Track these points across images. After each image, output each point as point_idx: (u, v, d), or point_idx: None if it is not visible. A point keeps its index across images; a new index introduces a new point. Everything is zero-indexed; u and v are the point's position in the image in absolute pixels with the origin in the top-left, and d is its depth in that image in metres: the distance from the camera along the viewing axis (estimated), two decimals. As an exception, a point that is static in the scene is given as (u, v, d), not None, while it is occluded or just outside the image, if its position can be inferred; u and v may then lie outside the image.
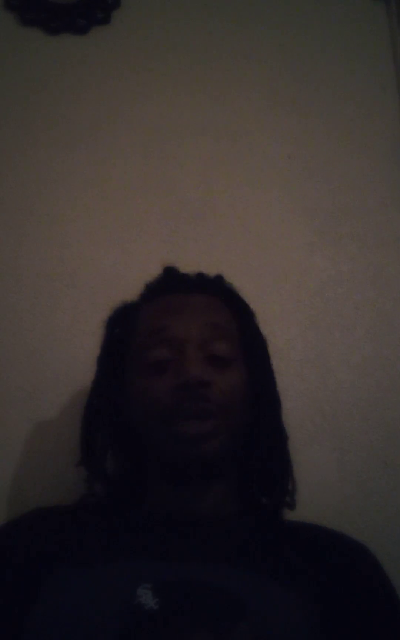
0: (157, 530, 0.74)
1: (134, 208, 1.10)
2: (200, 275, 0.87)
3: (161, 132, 1.15)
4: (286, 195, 1.13)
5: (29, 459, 0.96)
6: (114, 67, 1.18)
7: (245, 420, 0.78)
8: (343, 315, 1.08)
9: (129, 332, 0.81)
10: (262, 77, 1.19)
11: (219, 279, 0.87)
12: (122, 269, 1.06)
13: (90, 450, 0.81)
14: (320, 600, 0.69)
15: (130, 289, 0.98)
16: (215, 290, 0.84)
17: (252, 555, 0.72)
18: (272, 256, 1.10)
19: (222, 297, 0.83)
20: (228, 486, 0.79)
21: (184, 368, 0.74)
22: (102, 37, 1.19)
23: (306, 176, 1.15)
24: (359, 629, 0.69)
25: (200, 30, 1.21)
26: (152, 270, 1.04)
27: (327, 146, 1.16)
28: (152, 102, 1.16)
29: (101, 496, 0.82)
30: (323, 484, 0.97)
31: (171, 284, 0.85)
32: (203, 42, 1.20)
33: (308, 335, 1.06)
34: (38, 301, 1.04)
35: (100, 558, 0.70)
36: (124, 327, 0.83)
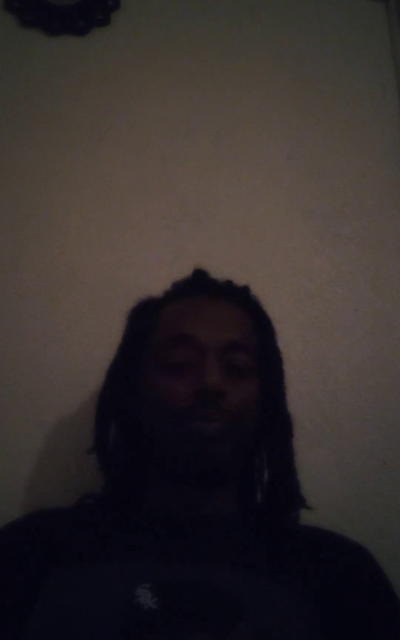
0: (157, 530, 0.74)
1: (134, 208, 1.10)
2: (229, 283, 0.87)
3: (161, 133, 1.15)
4: (286, 196, 1.13)
5: (29, 459, 0.96)
6: (114, 68, 1.18)
7: (252, 431, 0.79)
8: (343, 316, 1.08)
9: (150, 327, 0.82)
10: (262, 77, 1.19)
11: (246, 290, 0.87)
12: (121, 270, 1.06)
13: (104, 438, 0.81)
14: (320, 601, 0.69)
15: (130, 289, 0.98)
16: (241, 301, 0.85)
17: (251, 556, 0.72)
18: (271, 257, 1.10)
19: (247, 308, 0.84)
20: (229, 489, 0.79)
21: (205, 375, 0.74)
22: (102, 39, 1.19)
23: (306, 177, 1.15)
24: (358, 630, 0.69)
25: (200, 31, 1.21)
26: (152, 271, 1.04)
27: (326, 147, 1.17)
28: (151, 102, 1.16)
29: (100, 497, 0.82)
30: (323, 484, 0.97)
31: (199, 287, 0.86)
32: (202, 43, 1.20)
33: (308, 336, 1.06)
34: (38, 301, 1.04)
35: (99, 558, 0.70)
36: (147, 321, 0.83)
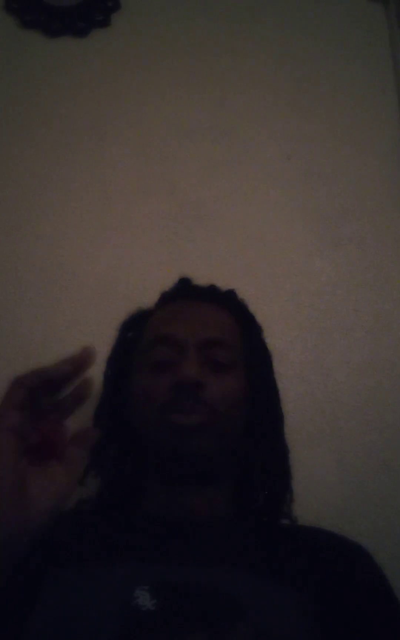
0: (155, 532, 0.74)
1: (134, 209, 1.10)
2: (212, 287, 0.89)
3: (161, 134, 1.15)
4: (285, 197, 1.13)
5: (29, 459, 0.96)
6: (114, 69, 1.18)
7: (239, 426, 0.79)
8: (342, 316, 1.08)
9: (139, 335, 0.85)
10: (262, 77, 1.19)
11: (230, 293, 0.90)
12: (122, 270, 1.06)
13: (100, 450, 0.82)
14: (318, 601, 0.69)
15: (130, 289, 0.98)
16: (225, 302, 0.87)
17: (249, 556, 0.72)
18: (271, 258, 1.10)
19: (230, 310, 0.86)
20: (224, 490, 0.80)
21: (181, 368, 0.76)
22: (102, 40, 1.19)
23: (306, 178, 1.15)
24: (357, 630, 0.69)
25: (200, 32, 1.21)
26: (152, 271, 1.04)
27: (326, 147, 1.17)
28: (151, 103, 1.16)
29: (96, 500, 0.82)
30: (322, 484, 0.97)
31: (183, 293, 0.88)
32: (202, 43, 1.20)
33: (308, 337, 1.06)
34: (38, 301, 1.04)
35: (98, 560, 0.70)
36: (135, 331, 0.86)
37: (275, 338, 0.97)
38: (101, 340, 0.96)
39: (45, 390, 0.55)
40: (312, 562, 0.72)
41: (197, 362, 0.77)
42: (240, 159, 1.15)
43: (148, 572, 0.67)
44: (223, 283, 0.90)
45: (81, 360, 0.56)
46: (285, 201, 1.13)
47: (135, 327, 0.87)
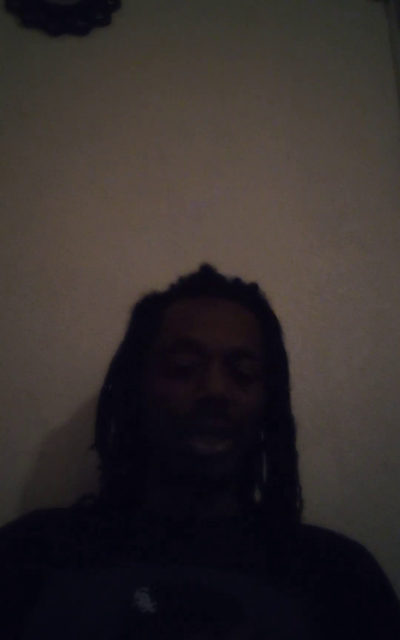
0: (156, 532, 0.74)
1: (134, 208, 1.10)
2: (237, 281, 0.85)
3: (161, 133, 1.15)
4: (285, 196, 1.13)
5: (29, 459, 0.96)
6: (114, 68, 1.18)
7: (257, 437, 0.79)
8: (342, 316, 1.08)
9: (154, 327, 0.80)
10: (262, 77, 1.19)
11: (254, 288, 0.86)
12: (122, 270, 1.06)
13: (104, 435, 0.81)
14: (319, 602, 0.69)
15: (130, 289, 0.98)
16: (248, 301, 0.83)
17: (250, 557, 0.72)
18: (271, 257, 1.10)
19: (253, 308, 0.82)
20: (229, 490, 0.79)
21: (209, 382, 0.73)
22: (103, 39, 1.19)
23: (305, 177, 1.15)
24: (358, 630, 0.69)
25: (200, 31, 1.21)
26: (152, 271, 1.04)
27: (326, 146, 1.17)
28: (152, 102, 1.16)
29: (98, 498, 0.82)
30: (323, 484, 0.97)
31: (206, 285, 0.84)
32: (203, 43, 1.20)
33: (308, 336, 1.06)
34: (38, 301, 1.04)
35: (98, 561, 0.70)
36: (151, 320, 0.81)
37: (275, 338, 0.97)
38: (101, 340, 0.97)
39: None
40: (312, 563, 0.72)
41: (223, 375, 0.74)
42: (240, 159, 1.15)
43: (148, 574, 0.67)
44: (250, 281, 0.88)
45: None
46: (285, 201, 1.13)
47: (151, 316, 0.82)
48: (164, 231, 1.09)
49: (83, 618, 0.63)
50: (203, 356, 0.75)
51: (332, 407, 1.02)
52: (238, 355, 0.76)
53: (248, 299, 0.83)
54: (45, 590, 0.67)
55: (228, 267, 1.03)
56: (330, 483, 0.98)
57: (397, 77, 1.22)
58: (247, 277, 0.99)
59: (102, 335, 0.99)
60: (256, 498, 0.83)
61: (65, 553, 0.72)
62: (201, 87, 1.18)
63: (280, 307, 1.05)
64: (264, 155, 1.15)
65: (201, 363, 0.75)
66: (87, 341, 1.01)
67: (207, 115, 1.16)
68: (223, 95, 1.18)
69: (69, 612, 0.64)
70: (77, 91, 1.16)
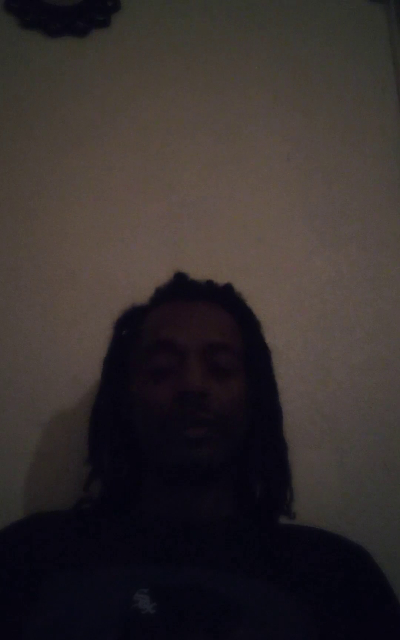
0: (155, 534, 0.74)
1: (134, 209, 1.10)
2: (209, 283, 0.87)
3: (161, 134, 1.15)
4: (286, 196, 1.13)
5: (29, 460, 0.96)
6: (114, 70, 1.18)
7: (244, 429, 0.79)
8: (342, 316, 1.08)
9: (135, 334, 0.83)
10: (262, 78, 1.19)
11: (227, 288, 0.88)
12: (121, 270, 1.06)
13: (97, 448, 0.82)
14: (319, 604, 0.69)
15: (130, 289, 0.98)
16: (222, 299, 0.85)
17: (249, 559, 0.73)
18: (271, 257, 1.10)
19: (228, 307, 0.84)
20: (225, 490, 0.79)
21: (184, 378, 0.75)
22: (102, 40, 1.19)
23: (306, 177, 1.15)
24: (357, 632, 0.69)
25: (200, 32, 1.21)
26: (152, 271, 1.04)
27: (326, 147, 1.16)
28: (151, 103, 1.16)
29: (97, 500, 0.82)
30: (323, 485, 0.97)
31: (179, 290, 0.86)
32: (202, 43, 1.20)
33: (308, 337, 1.06)
34: (38, 301, 1.04)
35: (97, 562, 0.70)
36: (131, 329, 0.84)
37: (275, 338, 0.97)
38: (101, 340, 0.96)
39: None
40: (312, 565, 0.72)
41: (199, 370, 0.75)
42: (240, 159, 1.15)
43: (148, 575, 0.67)
44: (221, 281, 0.89)
45: None
46: (285, 200, 1.13)
47: (131, 325, 0.85)
48: (164, 231, 1.09)
49: (83, 619, 0.63)
50: (178, 355, 0.77)
51: (332, 407, 1.02)
52: (214, 349, 0.78)
53: (222, 298, 0.85)
54: (45, 591, 0.67)
55: (228, 267, 1.03)
56: (330, 483, 0.98)
57: (397, 78, 1.22)
58: (247, 277, 1.00)
59: (102, 335, 0.98)
60: (254, 497, 0.83)
61: (65, 555, 0.72)
62: (201, 88, 1.18)
63: (281, 307, 1.07)
64: (264, 156, 1.15)
65: (177, 362, 0.76)
66: (87, 341, 1.01)
67: (207, 116, 1.16)
68: (223, 95, 1.18)
69: (68, 614, 0.64)
70: (77, 92, 1.16)
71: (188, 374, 0.75)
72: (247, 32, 1.22)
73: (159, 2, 1.22)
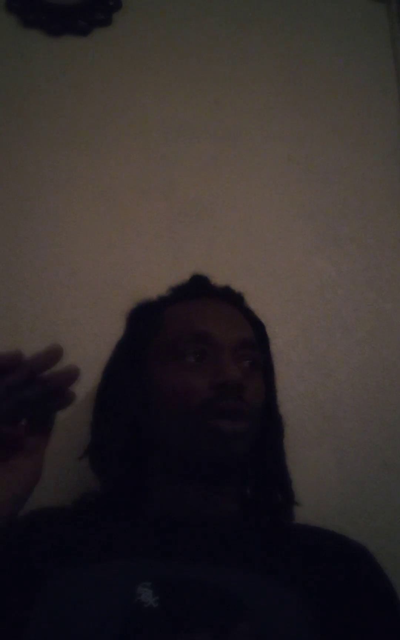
0: (158, 529, 0.74)
1: (134, 209, 1.10)
2: (227, 288, 0.89)
3: (161, 133, 1.15)
4: (286, 197, 1.14)
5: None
6: (115, 69, 1.18)
7: (260, 427, 0.80)
8: (343, 316, 1.08)
9: (155, 327, 0.82)
10: (262, 78, 1.19)
11: (242, 296, 0.90)
12: (121, 270, 1.06)
13: (102, 439, 0.82)
14: (320, 601, 0.69)
15: (130, 289, 0.98)
16: (240, 306, 0.87)
17: (253, 555, 0.73)
18: (272, 257, 1.10)
19: (245, 314, 0.86)
20: (232, 487, 0.80)
21: (225, 369, 0.75)
22: (103, 39, 1.19)
23: (306, 177, 1.15)
24: (359, 630, 0.69)
25: (201, 32, 1.21)
26: (152, 271, 1.04)
27: (327, 147, 1.17)
28: (152, 103, 1.16)
29: (100, 495, 0.82)
30: (323, 484, 0.97)
31: (203, 290, 0.87)
32: (203, 43, 1.20)
33: (308, 337, 1.06)
34: (38, 301, 1.04)
35: (100, 556, 0.70)
36: (150, 322, 0.83)
37: (276, 338, 0.97)
38: (101, 340, 0.97)
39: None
40: (315, 563, 0.73)
41: (235, 363, 0.77)
42: (240, 159, 1.15)
43: (151, 569, 0.67)
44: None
45: (47, 356, 0.55)
46: (285, 201, 1.13)
47: (150, 317, 0.84)
48: (164, 231, 1.09)
49: (86, 613, 0.63)
50: (213, 348, 0.77)
51: (332, 407, 1.02)
52: (244, 346, 0.80)
53: (238, 303, 0.87)
54: (48, 586, 0.67)
55: (228, 267, 1.03)
56: (330, 483, 0.98)
57: (398, 78, 1.22)
58: (247, 278, 1.00)
59: (103, 335, 0.99)
60: (256, 496, 0.83)
61: (67, 549, 0.72)
62: (202, 87, 1.18)
63: (281, 307, 1.07)
64: (264, 156, 1.15)
65: (211, 354, 0.77)
66: (87, 341, 1.01)
67: (207, 116, 1.16)
68: (223, 95, 1.18)
69: (71, 607, 0.65)
70: (78, 91, 1.16)
71: (228, 366, 0.75)
72: (248, 31, 1.22)
73: (160, 1, 1.22)
